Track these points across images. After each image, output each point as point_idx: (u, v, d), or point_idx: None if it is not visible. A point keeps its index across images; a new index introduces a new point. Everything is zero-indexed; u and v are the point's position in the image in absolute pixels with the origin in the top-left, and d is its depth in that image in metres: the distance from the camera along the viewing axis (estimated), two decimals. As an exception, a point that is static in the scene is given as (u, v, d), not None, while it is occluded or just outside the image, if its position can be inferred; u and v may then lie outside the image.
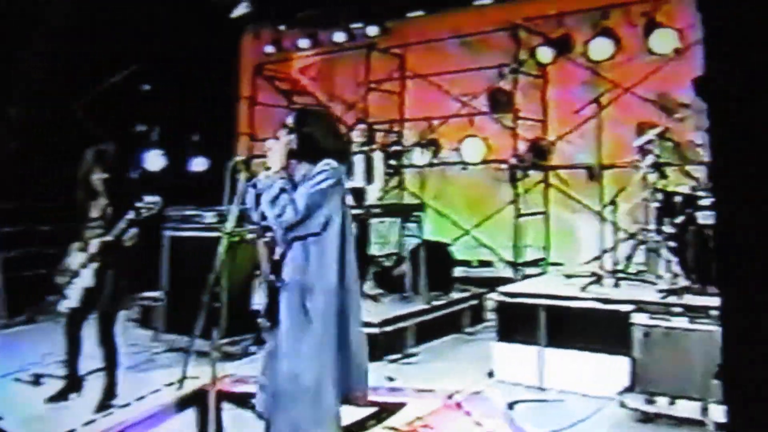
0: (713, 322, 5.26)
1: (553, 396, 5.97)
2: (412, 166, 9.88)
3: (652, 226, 6.68)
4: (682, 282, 6.13)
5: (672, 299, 5.81)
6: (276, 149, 3.79)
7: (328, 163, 3.74)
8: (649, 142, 6.53)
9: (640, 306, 5.65)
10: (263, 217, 3.93)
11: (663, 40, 8.33)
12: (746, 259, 3.06)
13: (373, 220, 8.36)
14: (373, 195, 8.31)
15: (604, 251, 8.46)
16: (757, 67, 3.11)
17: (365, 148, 8.14)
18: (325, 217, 3.71)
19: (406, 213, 8.07)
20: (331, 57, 11.18)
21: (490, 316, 8.90)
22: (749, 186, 3.04)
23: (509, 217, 9.90)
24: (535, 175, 10.00)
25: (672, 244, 6.33)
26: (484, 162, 9.63)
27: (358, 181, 8.22)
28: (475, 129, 9.80)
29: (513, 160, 9.48)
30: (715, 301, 5.62)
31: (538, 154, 9.16)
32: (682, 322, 5.37)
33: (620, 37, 8.80)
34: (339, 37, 10.25)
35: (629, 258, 6.86)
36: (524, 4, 9.87)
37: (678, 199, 6.66)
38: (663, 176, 6.85)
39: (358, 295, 3.93)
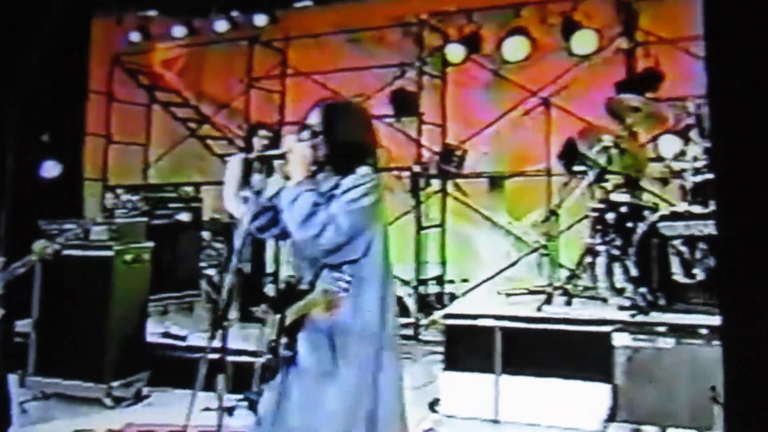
0: (703, 342, 5.19)
1: (516, 430, 5.67)
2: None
3: (598, 239, 6.56)
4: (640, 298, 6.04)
5: (641, 317, 5.73)
6: (298, 152, 3.23)
7: (367, 175, 3.23)
8: (605, 149, 6.42)
9: (619, 326, 5.49)
10: (261, 230, 3.40)
11: (584, 42, 8.35)
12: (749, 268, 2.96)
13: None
14: (272, 206, 7.70)
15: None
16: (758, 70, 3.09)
17: (269, 153, 7.49)
18: (365, 241, 3.18)
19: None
20: (200, 50, 10.38)
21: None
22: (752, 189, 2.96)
23: (401, 230, 9.58)
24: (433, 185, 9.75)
25: (631, 257, 6.22)
26: (386, 169, 9.24)
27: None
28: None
29: (416, 168, 9.18)
30: (689, 318, 5.67)
31: (450, 161, 8.91)
32: (669, 343, 5.25)
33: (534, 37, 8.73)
34: (221, 26, 9.46)
35: (578, 274, 6.69)
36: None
37: (624, 209, 6.62)
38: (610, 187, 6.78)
39: (397, 338, 3.41)
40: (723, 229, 3.33)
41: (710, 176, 6.14)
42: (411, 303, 9.44)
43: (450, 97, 9.84)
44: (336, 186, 3.20)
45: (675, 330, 5.32)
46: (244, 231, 3.27)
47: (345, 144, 3.28)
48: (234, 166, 7.59)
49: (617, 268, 6.52)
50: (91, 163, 9.92)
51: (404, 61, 9.54)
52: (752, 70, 3.00)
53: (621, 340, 5.33)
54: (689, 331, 5.27)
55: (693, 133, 6.69)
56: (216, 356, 3.08)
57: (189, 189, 9.70)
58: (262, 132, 7.64)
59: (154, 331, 6.95)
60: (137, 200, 4.50)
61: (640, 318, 5.69)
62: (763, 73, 2.95)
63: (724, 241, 3.33)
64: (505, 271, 9.37)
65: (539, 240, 8.84)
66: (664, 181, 6.89)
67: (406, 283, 9.63)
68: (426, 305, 9.29)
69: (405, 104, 9.10)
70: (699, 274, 5.87)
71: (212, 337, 3.11)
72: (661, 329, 5.35)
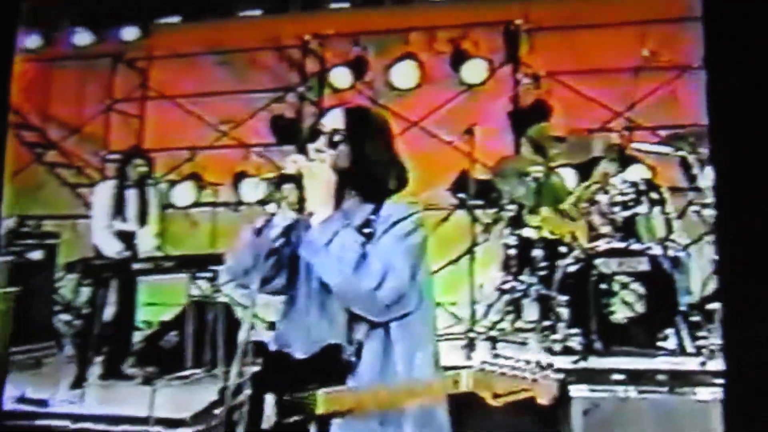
0: (666, 390, 4.66)
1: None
2: (170, 206, 8.11)
3: (526, 277, 5.98)
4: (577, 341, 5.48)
5: (583, 364, 5.17)
6: (320, 174, 2.35)
7: (413, 203, 2.43)
8: (534, 180, 5.86)
9: (568, 375, 4.87)
10: (266, 282, 2.47)
11: (474, 71, 7.86)
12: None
13: (146, 277, 6.59)
14: (146, 242, 6.59)
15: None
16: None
17: (151, 181, 6.44)
18: (418, 289, 2.36)
19: (198, 266, 6.43)
20: (48, 65, 8.96)
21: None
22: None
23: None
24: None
25: (558, 297, 5.65)
26: (263, 202, 8.24)
27: (129, 223, 6.47)
28: (248, 163, 8.44)
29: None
30: (643, 363, 5.15)
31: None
32: (630, 392, 4.67)
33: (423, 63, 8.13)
34: (82, 38, 8.11)
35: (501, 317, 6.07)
36: (297, 20, 8.81)
37: (542, 245, 6.11)
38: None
39: None
40: (722, 235, 3.11)
41: (639, 210, 5.75)
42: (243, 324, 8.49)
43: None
44: (370, 219, 2.35)
45: (633, 377, 4.76)
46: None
47: (377, 160, 2.45)
48: (103, 195, 6.54)
49: (539, 309, 5.98)
50: None
51: (278, 85, 8.68)
52: (752, 70, 2.85)
53: (578, 391, 4.68)
54: (648, 377, 4.74)
55: (605, 166, 6.32)
56: None
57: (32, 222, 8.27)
58: (138, 159, 6.50)
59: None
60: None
61: (583, 364, 5.13)
62: (763, 73, 2.82)
63: (724, 246, 3.09)
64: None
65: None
66: (569, 217, 6.45)
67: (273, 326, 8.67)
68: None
69: (287, 132, 8.20)
70: (635, 313, 5.43)
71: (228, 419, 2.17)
72: (618, 377, 4.77)
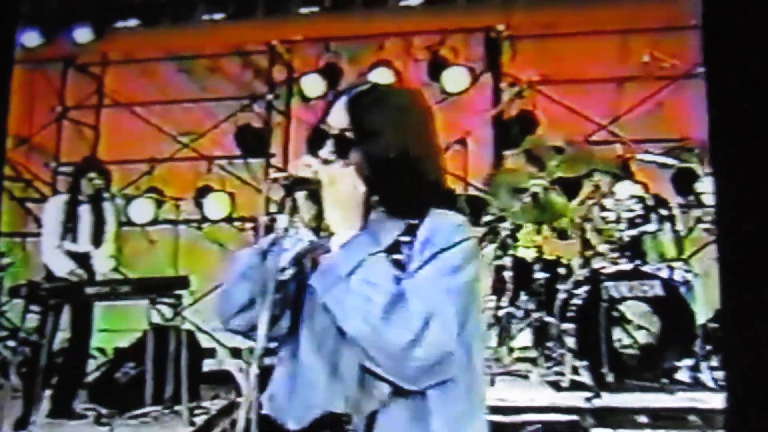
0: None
1: None
2: (127, 223, 7.32)
3: (523, 303, 5.32)
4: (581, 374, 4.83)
5: (598, 402, 4.49)
6: (343, 182, 1.64)
7: (460, 225, 1.69)
8: (533, 196, 5.22)
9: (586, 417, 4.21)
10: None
11: (456, 79, 7.22)
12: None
13: (101, 302, 5.78)
14: (102, 263, 5.79)
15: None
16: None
17: (106, 195, 5.67)
18: (466, 345, 1.63)
19: (159, 291, 5.64)
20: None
21: None
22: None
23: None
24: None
25: (561, 324, 4.99)
26: (229, 219, 7.50)
27: (81, 244, 5.65)
28: (209, 176, 7.71)
29: (264, 219, 7.52)
30: (654, 400, 4.53)
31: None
32: (659, 437, 4.03)
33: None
34: (31, 39, 7.23)
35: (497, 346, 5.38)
36: (263, 25, 8.12)
37: (539, 267, 5.47)
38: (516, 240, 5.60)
39: None
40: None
41: (647, 228, 5.13)
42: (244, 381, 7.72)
43: (294, 137, 8.30)
44: (400, 241, 1.66)
45: (658, 417, 4.11)
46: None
47: (406, 161, 1.70)
48: (54, 211, 5.73)
49: (539, 338, 5.32)
50: None
51: (243, 93, 7.99)
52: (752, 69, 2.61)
53: (600, 436, 4.03)
54: (677, 418, 4.10)
55: (598, 180, 5.73)
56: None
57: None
58: (92, 173, 5.70)
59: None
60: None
61: (597, 402, 4.45)
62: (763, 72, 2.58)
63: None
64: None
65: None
66: (568, 235, 5.83)
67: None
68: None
69: (253, 143, 7.48)
70: (649, 342, 4.80)
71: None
72: (642, 419, 4.11)
